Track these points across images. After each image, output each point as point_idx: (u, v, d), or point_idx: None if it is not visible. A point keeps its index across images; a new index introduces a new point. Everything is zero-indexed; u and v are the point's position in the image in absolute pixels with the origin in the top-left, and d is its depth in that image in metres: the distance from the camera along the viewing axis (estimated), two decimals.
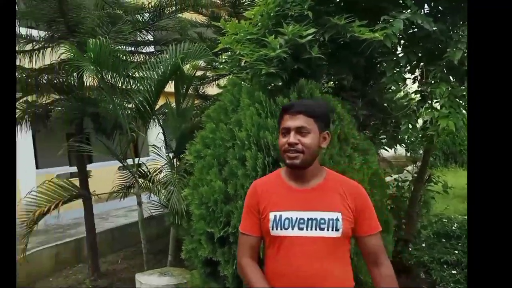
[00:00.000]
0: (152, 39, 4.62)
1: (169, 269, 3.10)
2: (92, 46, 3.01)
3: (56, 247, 4.68)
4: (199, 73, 4.36)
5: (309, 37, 2.03)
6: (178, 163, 3.44)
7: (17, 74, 4.17)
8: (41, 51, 4.25)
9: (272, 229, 1.27)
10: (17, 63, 4.26)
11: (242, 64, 2.59)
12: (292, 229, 1.24)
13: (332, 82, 2.84)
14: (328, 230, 1.23)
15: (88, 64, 3.19)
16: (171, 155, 3.60)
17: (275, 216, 1.27)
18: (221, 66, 2.88)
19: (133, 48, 4.36)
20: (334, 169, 1.97)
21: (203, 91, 5.30)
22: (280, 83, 2.20)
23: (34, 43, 4.18)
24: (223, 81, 4.85)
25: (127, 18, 3.63)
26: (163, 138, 3.90)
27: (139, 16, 4.02)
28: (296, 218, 1.25)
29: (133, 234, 4.96)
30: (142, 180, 3.70)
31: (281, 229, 1.25)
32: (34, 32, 4.27)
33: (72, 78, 4.00)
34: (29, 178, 7.95)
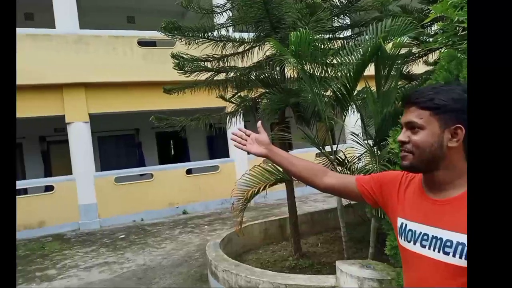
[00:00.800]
0: (349, 23, 4.51)
1: (370, 262, 2.97)
2: (293, 39, 3.15)
3: (265, 224, 5.30)
4: (402, 50, 3.97)
5: None
6: (379, 152, 3.23)
7: (232, 74, 4.91)
8: (250, 51, 4.83)
9: (399, 237, 1.12)
10: (232, 64, 5.00)
11: (461, 33, 2.15)
12: (414, 244, 1.06)
13: None
14: (454, 256, 0.96)
15: (289, 57, 3.37)
16: (370, 142, 3.43)
17: (402, 224, 1.12)
18: (432, 39, 2.48)
19: (330, 35, 4.37)
20: None
21: (407, 70, 4.81)
22: None
23: (245, 44, 4.77)
24: (432, 57, 4.26)
25: (325, 6, 3.65)
26: (361, 125, 3.76)
27: (336, 0, 3.97)
28: (420, 233, 1.05)
29: (331, 220, 5.08)
30: (340, 168, 3.68)
31: (404, 240, 1.10)
32: (245, 35, 4.87)
33: (275, 72, 4.36)
34: (243, 161, 9.35)
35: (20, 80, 7.89)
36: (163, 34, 4.79)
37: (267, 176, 4.17)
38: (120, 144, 11.76)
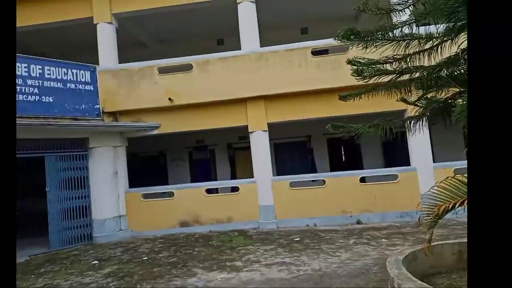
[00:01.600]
0: None
1: None
2: None
3: (459, 245, 4.55)
4: None
5: None
6: None
7: (417, 74, 4.42)
8: (440, 46, 4.25)
9: None
10: (416, 64, 4.50)
11: None
12: None
13: None
14: None
15: None
16: None
17: None
18: None
19: None
20: None
21: None
22: None
23: (433, 40, 4.24)
24: None
25: None
26: None
27: None
28: None
29: None
30: None
31: None
32: (433, 29, 4.32)
33: None
34: (427, 171, 8.39)
35: (214, 97, 9.35)
36: (338, 41, 4.74)
37: (465, 190, 3.57)
38: (294, 150, 12.44)
